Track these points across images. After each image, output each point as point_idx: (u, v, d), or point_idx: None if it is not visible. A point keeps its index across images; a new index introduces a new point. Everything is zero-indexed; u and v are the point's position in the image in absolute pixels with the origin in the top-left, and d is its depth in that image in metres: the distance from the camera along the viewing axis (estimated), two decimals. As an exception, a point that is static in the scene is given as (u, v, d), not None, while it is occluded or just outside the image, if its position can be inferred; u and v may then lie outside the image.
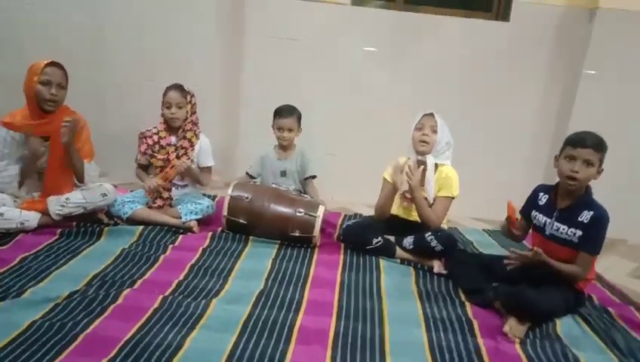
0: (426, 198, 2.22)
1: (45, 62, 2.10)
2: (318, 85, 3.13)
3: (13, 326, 1.40)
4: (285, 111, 2.55)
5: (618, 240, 2.85)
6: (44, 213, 2.13)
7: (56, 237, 2.09)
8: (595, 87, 2.88)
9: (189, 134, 2.44)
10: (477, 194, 2.83)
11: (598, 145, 1.74)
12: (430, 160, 2.24)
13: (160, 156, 2.41)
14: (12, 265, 1.80)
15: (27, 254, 1.90)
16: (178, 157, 2.42)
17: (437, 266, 2.15)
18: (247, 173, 2.69)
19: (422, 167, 2.22)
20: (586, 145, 1.73)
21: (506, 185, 2.97)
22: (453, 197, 2.24)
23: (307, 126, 2.65)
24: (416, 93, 3.06)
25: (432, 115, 2.26)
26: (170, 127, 2.45)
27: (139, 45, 3.06)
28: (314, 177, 2.63)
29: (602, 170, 1.78)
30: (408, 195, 2.28)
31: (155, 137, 2.43)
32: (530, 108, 3.10)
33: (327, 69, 3.12)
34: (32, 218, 2.10)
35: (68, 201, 2.16)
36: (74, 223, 2.19)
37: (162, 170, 2.40)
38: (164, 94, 2.40)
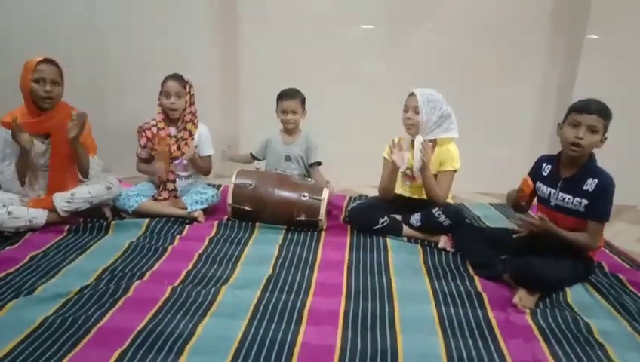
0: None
1: (38, 59, 2.08)
2: (317, 68, 3.09)
3: (26, 323, 1.41)
4: (288, 94, 2.53)
5: (627, 207, 2.83)
6: (52, 209, 2.14)
7: (64, 234, 2.10)
8: (599, 53, 2.82)
9: (188, 125, 2.43)
10: (482, 168, 2.81)
11: (603, 111, 1.71)
12: (418, 139, 2.21)
13: (160, 148, 2.40)
14: (22, 263, 1.82)
15: (37, 252, 1.92)
16: (179, 148, 2.41)
17: (442, 241, 2.15)
18: (250, 154, 2.69)
19: (430, 144, 2.20)
20: (592, 111, 1.71)
21: (511, 158, 2.95)
22: (455, 171, 2.23)
23: (308, 110, 2.63)
24: (416, 71, 3.01)
25: (413, 94, 2.21)
26: (169, 119, 2.44)
27: (135, 40, 3.02)
28: (319, 164, 2.61)
29: (606, 138, 1.75)
30: (409, 173, 2.27)
31: (154, 129, 2.43)
32: (532, 80, 3.05)
33: (325, 51, 3.08)
34: (40, 215, 2.11)
35: (74, 197, 2.17)
36: (81, 219, 2.21)
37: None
38: (163, 84, 2.39)
